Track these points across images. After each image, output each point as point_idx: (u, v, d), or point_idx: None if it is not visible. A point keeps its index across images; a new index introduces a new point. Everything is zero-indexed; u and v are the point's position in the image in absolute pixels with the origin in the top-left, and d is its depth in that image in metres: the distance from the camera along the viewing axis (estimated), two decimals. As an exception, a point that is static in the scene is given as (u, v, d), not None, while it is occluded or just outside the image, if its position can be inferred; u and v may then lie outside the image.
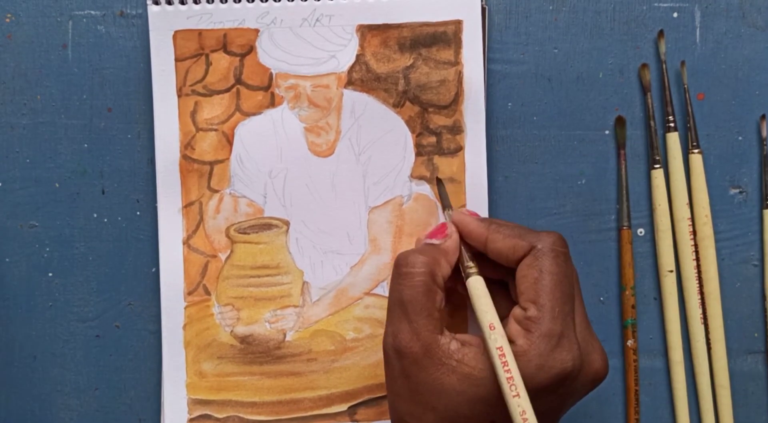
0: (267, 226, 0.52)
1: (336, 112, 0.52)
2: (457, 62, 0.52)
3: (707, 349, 0.53)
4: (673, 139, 0.53)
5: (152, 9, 0.51)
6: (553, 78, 0.54)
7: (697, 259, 0.53)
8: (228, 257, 0.52)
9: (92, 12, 0.53)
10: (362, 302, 0.52)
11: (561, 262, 0.44)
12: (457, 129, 0.52)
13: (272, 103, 0.52)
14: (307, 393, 0.52)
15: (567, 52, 0.54)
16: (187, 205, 0.52)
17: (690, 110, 0.53)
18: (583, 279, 0.53)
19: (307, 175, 0.52)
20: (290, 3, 0.52)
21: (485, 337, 0.43)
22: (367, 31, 0.52)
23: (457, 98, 0.52)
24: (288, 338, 0.52)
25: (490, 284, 0.45)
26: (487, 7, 0.52)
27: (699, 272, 0.53)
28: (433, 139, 0.52)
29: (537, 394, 0.42)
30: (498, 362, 0.42)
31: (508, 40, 0.53)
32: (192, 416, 0.52)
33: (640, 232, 0.54)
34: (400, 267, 0.45)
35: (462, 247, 0.47)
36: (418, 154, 0.52)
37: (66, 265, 0.53)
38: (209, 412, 0.52)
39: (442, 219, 0.52)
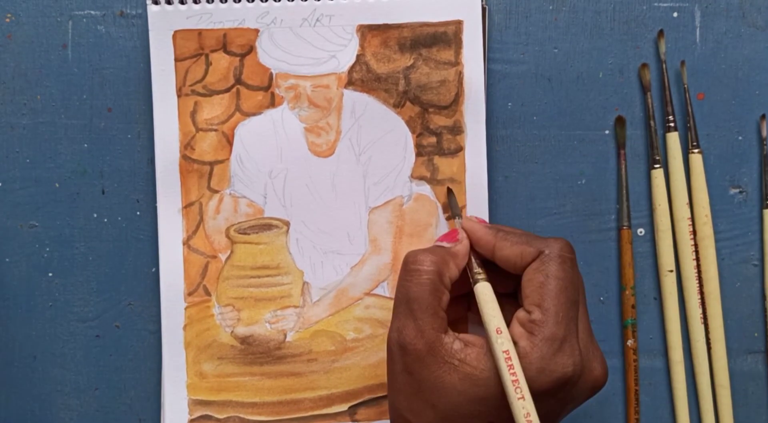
0: (267, 227, 0.52)
1: (336, 112, 0.52)
2: (457, 62, 0.52)
3: (707, 349, 0.53)
4: (673, 139, 0.53)
5: (152, 9, 0.51)
6: (553, 78, 0.53)
7: (697, 259, 0.53)
8: (228, 258, 0.52)
9: (92, 12, 0.53)
10: (362, 302, 0.52)
11: (567, 268, 0.45)
12: (457, 129, 0.52)
13: (272, 103, 0.52)
14: (308, 393, 0.52)
15: (567, 52, 0.53)
16: (187, 206, 0.52)
17: (690, 110, 0.53)
18: (584, 279, 0.53)
19: (307, 176, 0.52)
20: (290, 3, 0.52)
21: (491, 340, 0.43)
22: (367, 31, 0.52)
23: (457, 98, 0.52)
24: (288, 339, 0.52)
25: (498, 296, 0.46)
26: (487, 7, 0.52)
27: (699, 272, 0.53)
28: (433, 140, 0.52)
29: (537, 397, 0.42)
30: (504, 365, 0.42)
31: (508, 40, 0.53)
32: (192, 417, 0.52)
33: (640, 232, 0.54)
34: (408, 264, 0.46)
35: (471, 254, 0.47)
36: (418, 154, 0.52)
37: (66, 265, 0.53)
38: (210, 413, 0.52)
39: (442, 220, 0.52)
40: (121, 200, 0.53)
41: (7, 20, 0.53)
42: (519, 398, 0.42)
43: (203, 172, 0.52)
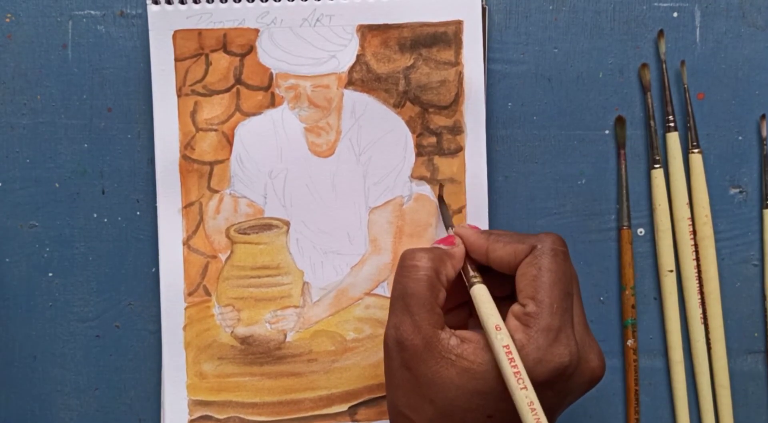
0: (267, 227, 0.52)
1: (336, 112, 0.52)
2: (457, 62, 0.52)
3: (707, 349, 0.53)
4: (673, 139, 0.53)
5: (152, 9, 0.51)
6: (553, 78, 0.53)
7: (697, 259, 0.53)
8: (228, 258, 0.52)
9: (92, 12, 0.53)
10: (362, 302, 0.52)
11: (560, 261, 0.45)
12: (457, 129, 0.52)
13: (272, 103, 0.52)
14: (308, 393, 0.52)
15: (567, 52, 0.53)
16: (187, 206, 0.52)
17: (690, 110, 0.53)
18: (583, 279, 0.53)
19: (307, 176, 0.52)
20: (290, 3, 0.51)
21: (491, 337, 0.43)
22: (367, 31, 0.52)
23: (457, 98, 0.52)
24: (288, 339, 0.52)
25: (495, 300, 0.46)
26: (487, 7, 0.52)
27: (699, 272, 0.53)
28: (433, 140, 0.52)
29: (536, 389, 0.42)
30: (505, 358, 0.42)
31: (508, 40, 0.53)
32: (192, 417, 0.52)
33: (640, 232, 0.54)
34: (405, 260, 0.46)
35: (466, 259, 0.47)
36: (418, 154, 0.52)
37: (66, 265, 0.53)
38: (210, 413, 0.52)
39: (442, 221, 0.52)
40: (121, 200, 0.53)
41: (7, 20, 0.53)
42: (521, 388, 0.42)
43: (203, 172, 0.52)
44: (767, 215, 0.54)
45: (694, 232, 0.53)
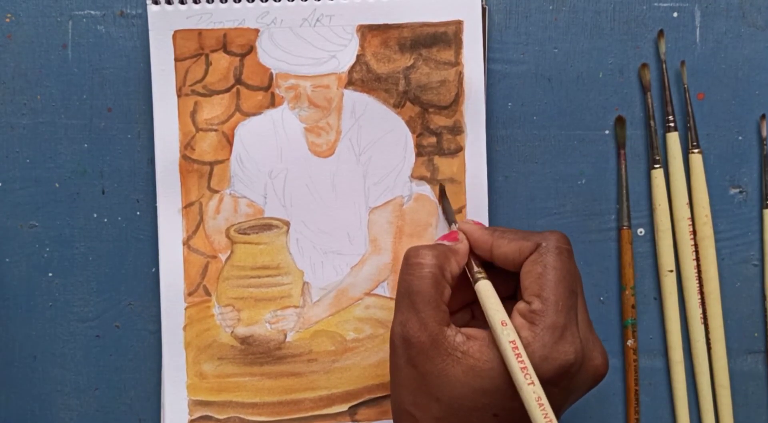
0: (267, 227, 0.52)
1: (336, 112, 0.52)
2: (457, 62, 0.52)
3: (707, 349, 0.53)
4: (673, 139, 0.53)
5: (152, 9, 0.51)
6: (553, 78, 0.53)
7: (697, 259, 0.53)
8: (228, 258, 0.52)
9: (92, 12, 0.53)
10: (363, 302, 0.52)
11: (565, 259, 0.45)
12: (457, 129, 0.52)
13: (272, 103, 0.52)
14: (308, 393, 0.52)
15: (567, 52, 0.53)
16: (187, 206, 0.52)
17: (690, 110, 0.53)
18: (583, 279, 0.53)
19: (307, 176, 0.52)
20: (290, 3, 0.51)
21: (497, 332, 0.43)
22: (367, 31, 0.52)
23: (457, 99, 0.52)
24: (288, 339, 0.52)
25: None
26: (487, 7, 0.52)
27: (699, 272, 0.53)
28: (433, 140, 0.52)
29: (541, 386, 0.43)
30: (512, 354, 0.42)
31: (508, 40, 0.53)
32: (192, 417, 0.52)
33: (640, 232, 0.54)
34: (410, 258, 0.46)
35: (470, 255, 0.47)
36: (418, 154, 0.52)
37: (66, 265, 0.53)
38: (210, 413, 0.52)
39: (442, 220, 0.52)
40: (121, 200, 0.53)
41: (7, 20, 0.53)
42: (529, 384, 0.42)
43: (203, 172, 0.52)
44: (767, 215, 0.54)
45: (694, 232, 0.53)
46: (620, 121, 0.53)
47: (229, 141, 0.52)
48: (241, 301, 0.52)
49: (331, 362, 0.52)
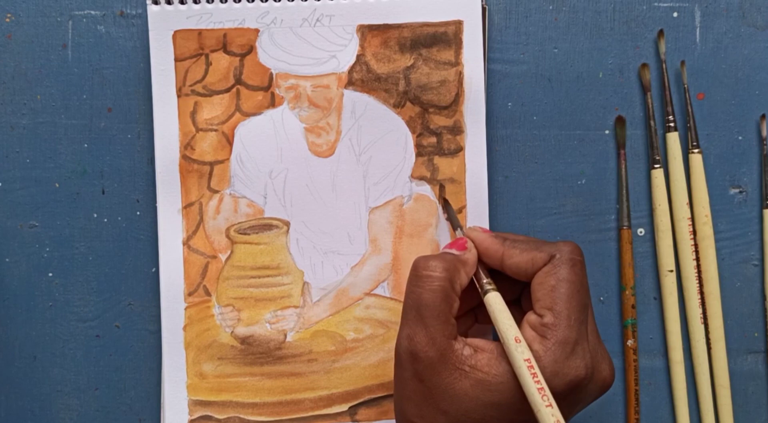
0: (267, 227, 0.52)
1: (336, 112, 0.52)
2: (457, 62, 0.52)
3: (707, 349, 0.53)
4: (673, 139, 0.53)
5: (152, 9, 0.51)
6: (553, 78, 0.53)
7: (697, 259, 0.53)
8: (228, 258, 0.52)
9: (92, 12, 0.53)
10: (363, 302, 0.52)
11: (578, 271, 0.45)
12: (457, 129, 0.52)
13: (272, 103, 0.52)
14: (308, 393, 0.52)
15: (567, 52, 0.53)
16: (186, 206, 0.52)
17: (690, 110, 0.53)
18: (584, 279, 0.53)
19: (307, 176, 0.52)
20: (290, 3, 0.51)
21: (511, 349, 0.43)
22: (367, 31, 0.52)
23: (457, 99, 0.52)
24: (288, 339, 0.52)
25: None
26: (487, 7, 0.52)
27: (699, 272, 0.53)
28: (433, 140, 0.52)
29: None
30: (527, 373, 0.42)
31: (508, 40, 0.53)
32: (192, 417, 0.52)
33: (640, 232, 0.54)
34: (419, 270, 0.45)
35: (478, 264, 0.47)
36: (418, 154, 0.52)
37: (66, 265, 0.53)
38: (210, 413, 0.52)
39: (442, 220, 0.52)
40: (121, 200, 0.53)
41: (7, 20, 0.53)
42: (547, 405, 0.41)
43: (203, 172, 0.52)
44: (767, 215, 0.54)
45: (694, 232, 0.53)
46: (620, 121, 0.53)
47: (229, 141, 0.52)
48: (241, 301, 0.52)
49: (331, 362, 0.52)
